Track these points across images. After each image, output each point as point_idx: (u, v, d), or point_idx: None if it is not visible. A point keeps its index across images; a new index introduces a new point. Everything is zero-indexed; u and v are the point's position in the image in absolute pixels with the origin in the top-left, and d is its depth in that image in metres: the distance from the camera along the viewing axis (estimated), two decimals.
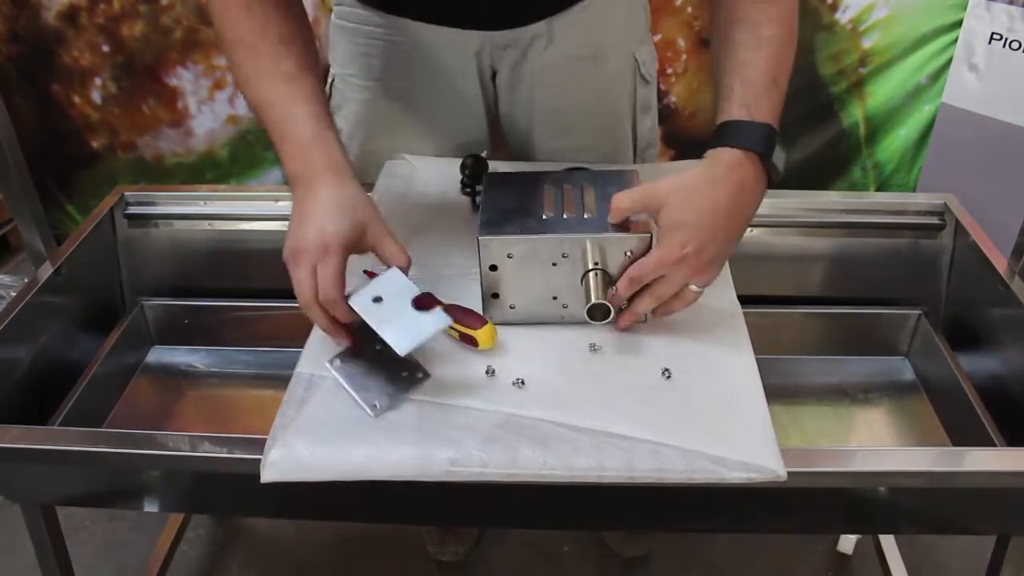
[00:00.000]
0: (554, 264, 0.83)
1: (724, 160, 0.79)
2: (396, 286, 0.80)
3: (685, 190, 0.78)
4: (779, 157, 0.81)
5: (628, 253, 0.81)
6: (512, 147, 1.16)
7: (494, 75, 1.08)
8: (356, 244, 0.79)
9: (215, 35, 0.89)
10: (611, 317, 0.80)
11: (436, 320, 0.78)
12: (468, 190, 1.03)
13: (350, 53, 1.08)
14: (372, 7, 1.03)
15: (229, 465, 0.80)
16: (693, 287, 0.80)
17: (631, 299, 0.82)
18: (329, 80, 1.12)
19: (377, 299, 0.79)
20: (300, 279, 0.78)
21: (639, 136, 1.17)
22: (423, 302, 0.88)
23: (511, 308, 0.86)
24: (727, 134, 0.80)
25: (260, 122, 0.85)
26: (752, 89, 0.81)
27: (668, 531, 1.52)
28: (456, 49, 1.04)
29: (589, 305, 0.80)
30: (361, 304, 0.79)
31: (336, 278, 0.77)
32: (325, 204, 0.78)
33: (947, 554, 1.52)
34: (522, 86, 1.08)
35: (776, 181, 0.82)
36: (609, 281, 0.81)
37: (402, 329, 0.77)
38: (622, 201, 0.80)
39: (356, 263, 0.97)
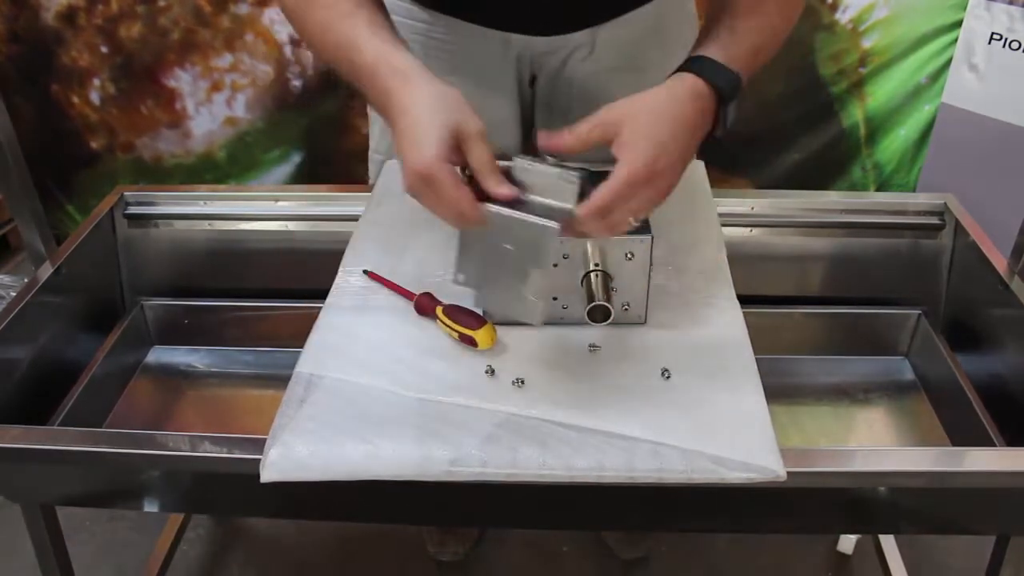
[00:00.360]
0: (555, 265, 0.83)
1: (688, 85, 0.77)
2: (537, 241, 0.70)
3: (646, 106, 0.75)
4: (731, 115, 0.79)
5: (629, 255, 0.81)
6: (544, 154, 1.16)
7: (532, 81, 1.08)
8: (457, 151, 0.71)
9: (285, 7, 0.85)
10: (612, 318, 0.80)
11: (531, 308, 0.73)
12: None
13: None
14: (417, 2, 1.03)
15: (229, 465, 0.80)
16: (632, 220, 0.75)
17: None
18: None
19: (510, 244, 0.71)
20: (432, 210, 0.72)
21: None
22: (422, 304, 0.88)
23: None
24: (698, 65, 0.78)
25: (338, 70, 0.81)
26: (737, 43, 0.80)
27: (668, 531, 1.52)
28: (497, 52, 1.03)
29: (590, 306, 0.80)
30: (497, 211, 0.70)
31: (455, 200, 0.69)
32: (409, 128, 0.71)
33: (947, 554, 1.52)
34: (560, 94, 1.07)
35: (719, 135, 0.79)
36: (610, 282, 0.81)
37: (504, 296, 0.73)
38: (581, 129, 0.74)
39: (355, 262, 0.97)
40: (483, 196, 0.71)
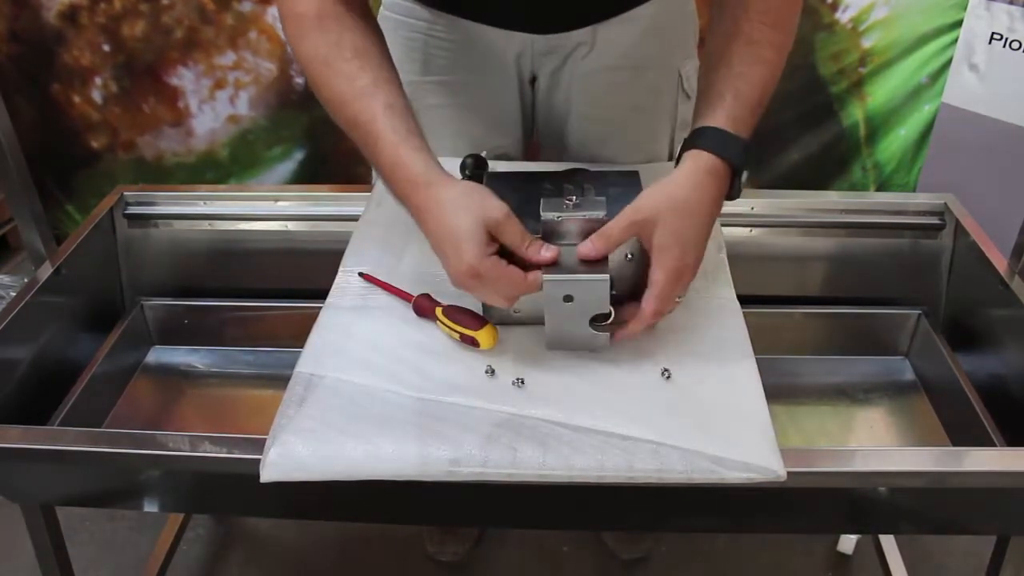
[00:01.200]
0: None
1: (705, 166, 0.79)
2: (594, 295, 0.78)
3: (674, 203, 0.77)
4: (741, 181, 0.82)
5: (629, 256, 0.81)
6: (545, 153, 1.16)
7: (533, 80, 1.08)
8: (492, 241, 0.76)
9: (292, 56, 0.87)
10: (611, 319, 0.80)
11: (598, 341, 0.80)
12: None
13: (392, 44, 1.06)
14: (419, 1, 1.03)
15: (229, 465, 0.80)
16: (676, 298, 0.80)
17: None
18: None
19: (568, 298, 0.78)
20: (488, 300, 0.80)
21: (675, 153, 1.15)
22: (421, 305, 0.88)
23: (514, 312, 0.86)
24: (713, 140, 0.80)
25: (356, 144, 0.84)
26: (743, 104, 0.81)
27: (668, 531, 1.52)
28: (498, 50, 1.03)
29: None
30: (551, 292, 0.78)
31: (510, 282, 0.76)
32: (445, 234, 0.76)
33: (947, 554, 1.52)
34: (560, 92, 1.07)
35: (734, 198, 0.82)
36: (612, 284, 0.81)
37: (565, 334, 0.80)
38: (612, 232, 0.77)
39: (355, 262, 0.97)
40: (525, 265, 0.77)
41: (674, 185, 0.78)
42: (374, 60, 0.83)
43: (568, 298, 0.77)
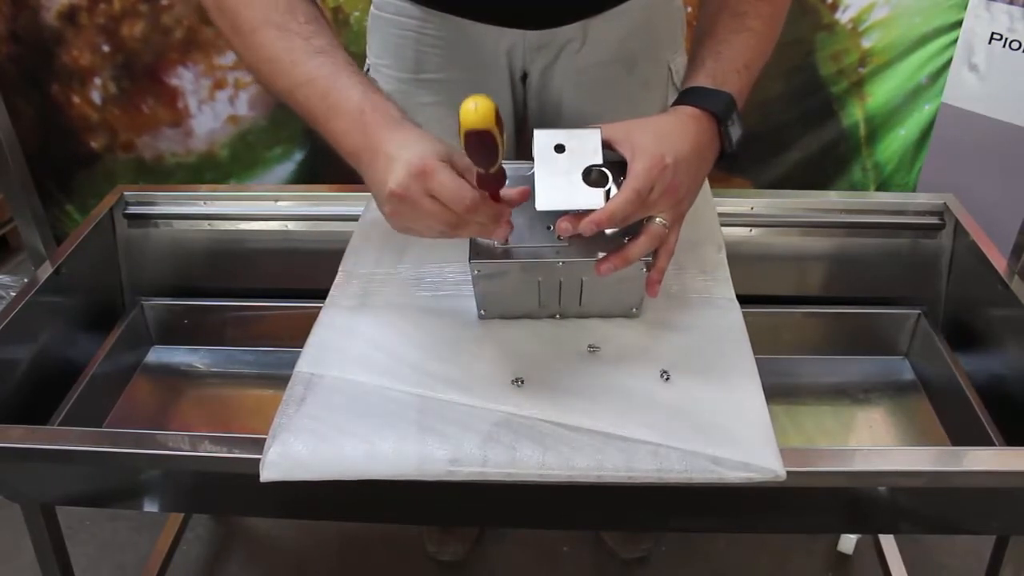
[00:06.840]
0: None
1: (686, 113, 0.81)
2: (586, 146, 0.78)
3: (652, 121, 0.79)
4: (735, 131, 0.82)
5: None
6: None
7: (524, 77, 1.08)
8: (450, 162, 0.71)
9: (226, 26, 0.81)
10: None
11: (592, 198, 0.76)
12: None
13: (384, 43, 1.08)
14: None
15: (229, 465, 0.80)
16: (660, 219, 0.78)
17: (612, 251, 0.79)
18: (364, 69, 1.13)
19: (560, 148, 0.78)
20: (420, 218, 0.72)
21: None
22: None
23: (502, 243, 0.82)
24: (689, 96, 0.82)
25: (297, 108, 0.78)
26: (722, 66, 0.83)
27: (668, 531, 1.52)
28: (488, 46, 1.03)
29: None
30: (542, 142, 0.78)
31: (457, 184, 0.69)
32: (398, 151, 0.71)
33: (947, 554, 1.52)
34: (551, 88, 1.08)
35: (728, 151, 0.82)
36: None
37: (557, 187, 0.77)
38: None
39: (355, 262, 0.97)
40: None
41: (654, 117, 0.80)
42: (325, 26, 0.80)
43: (560, 148, 0.78)
